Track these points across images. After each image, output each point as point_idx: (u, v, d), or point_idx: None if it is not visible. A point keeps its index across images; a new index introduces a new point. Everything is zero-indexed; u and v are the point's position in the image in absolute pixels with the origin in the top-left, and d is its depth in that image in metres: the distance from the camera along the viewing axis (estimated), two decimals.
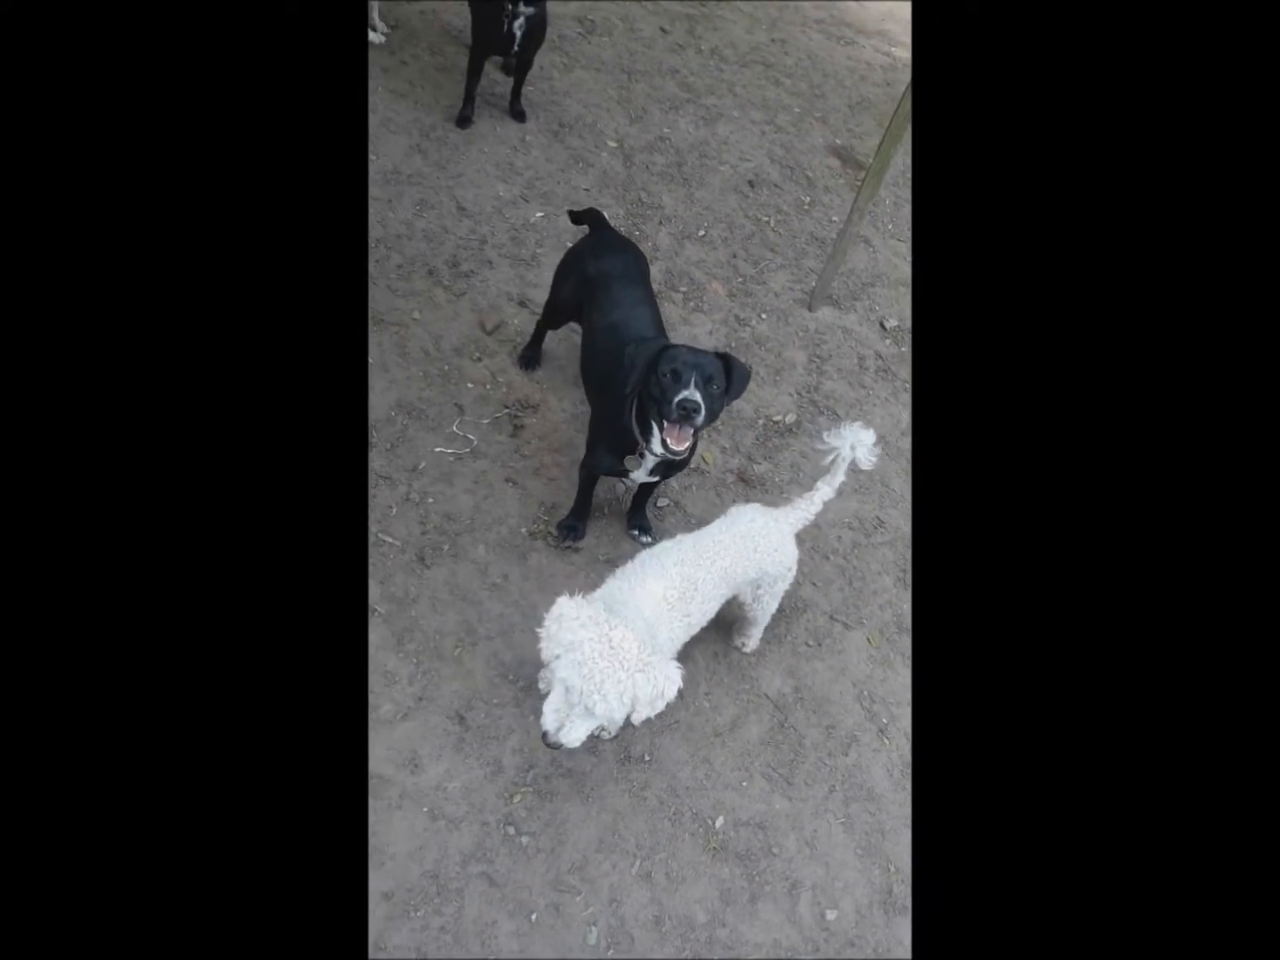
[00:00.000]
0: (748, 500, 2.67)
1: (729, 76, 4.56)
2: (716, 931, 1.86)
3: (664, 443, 1.91)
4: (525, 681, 2.10)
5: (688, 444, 1.90)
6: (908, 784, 2.20)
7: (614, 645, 1.50)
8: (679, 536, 1.93)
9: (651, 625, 1.71)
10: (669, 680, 1.53)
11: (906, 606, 2.59)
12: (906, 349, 3.44)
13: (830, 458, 2.06)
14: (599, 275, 2.26)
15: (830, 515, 2.75)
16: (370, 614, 2.10)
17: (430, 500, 2.37)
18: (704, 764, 2.09)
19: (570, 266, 2.39)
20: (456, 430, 2.55)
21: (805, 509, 2.05)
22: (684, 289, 3.29)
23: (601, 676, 1.50)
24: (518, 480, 2.50)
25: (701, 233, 3.57)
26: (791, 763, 2.15)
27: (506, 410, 2.66)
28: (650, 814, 1.98)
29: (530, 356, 2.77)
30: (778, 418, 2.98)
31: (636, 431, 2.00)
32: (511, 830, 1.87)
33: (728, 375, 1.90)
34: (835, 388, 3.17)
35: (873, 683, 2.38)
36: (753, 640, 2.27)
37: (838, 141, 4.44)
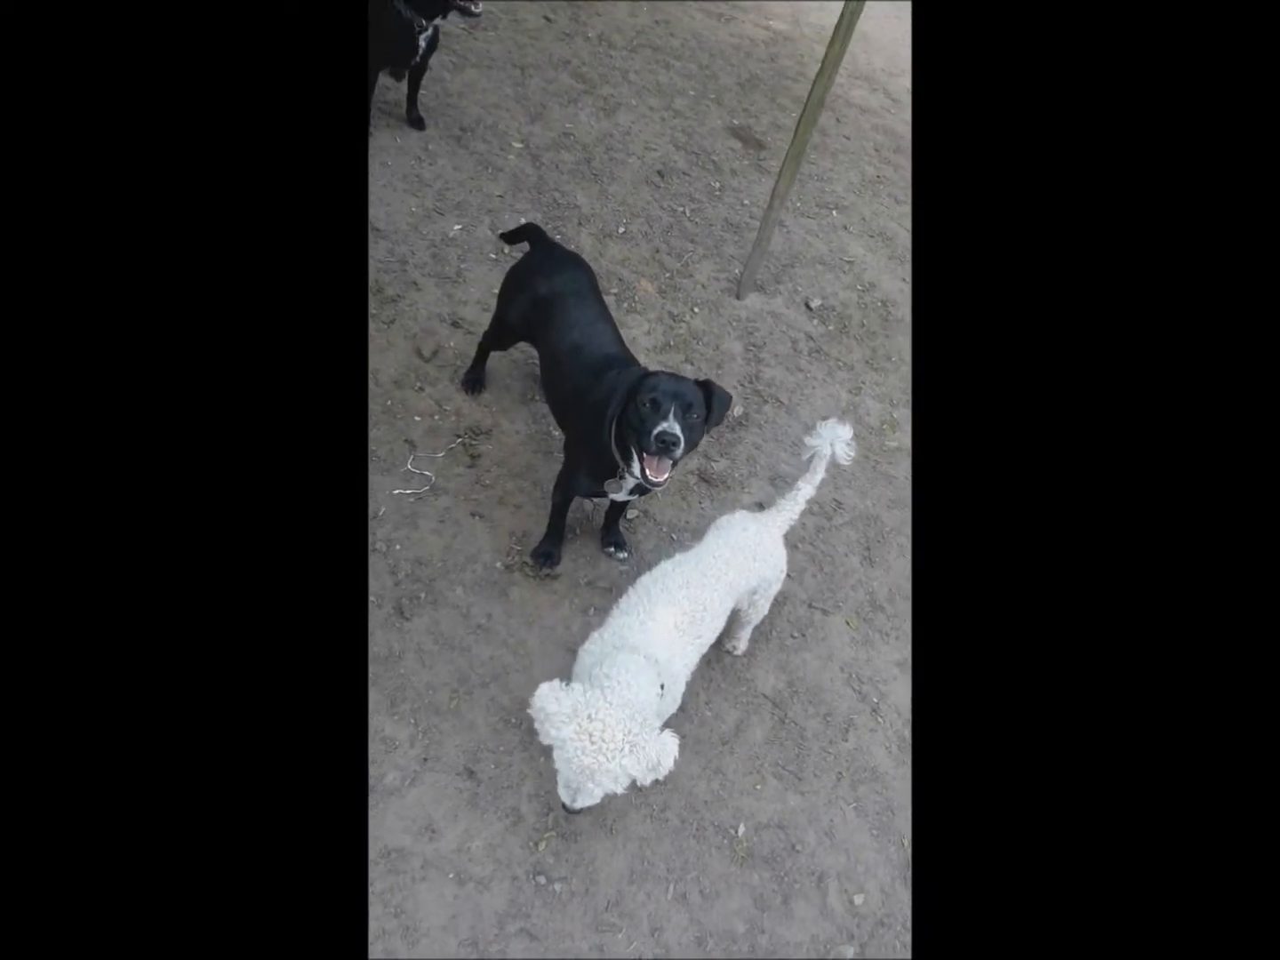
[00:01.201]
0: (711, 500, 2.70)
1: (620, 63, 4.48)
2: (757, 939, 1.89)
3: (643, 472, 1.88)
4: (528, 722, 2.04)
5: (667, 475, 1.87)
6: (907, 758, 2.28)
7: (595, 738, 1.48)
8: (677, 557, 1.91)
9: (665, 660, 1.69)
10: (663, 751, 1.52)
11: (876, 584, 2.66)
12: (834, 328, 3.51)
13: (809, 455, 2.08)
14: (551, 295, 2.19)
15: None
16: None
17: (397, 547, 2.27)
18: (717, 775, 2.11)
19: (517, 287, 2.31)
20: (411, 469, 2.45)
21: (790, 509, 2.07)
22: (615, 290, 3.24)
23: (590, 769, 1.49)
24: (484, 513, 2.42)
25: (621, 229, 3.52)
26: (798, 758, 2.20)
27: (459, 439, 2.57)
28: (674, 835, 1.98)
29: (474, 379, 2.68)
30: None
31: (617, 455, 1.97)
32: (542, 879, 1.83)
33: (709, 403, 1.89)
34: (775, 374, 3.20)
35: (858, 664, 2.45)
36: (743, 642, 2.29)
37: (735, 122, 4.45)
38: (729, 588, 1.86)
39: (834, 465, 2.10)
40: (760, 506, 2.74)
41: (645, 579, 1.85)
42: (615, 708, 1.50)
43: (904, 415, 3.26)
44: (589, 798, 1.56)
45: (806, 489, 2.08)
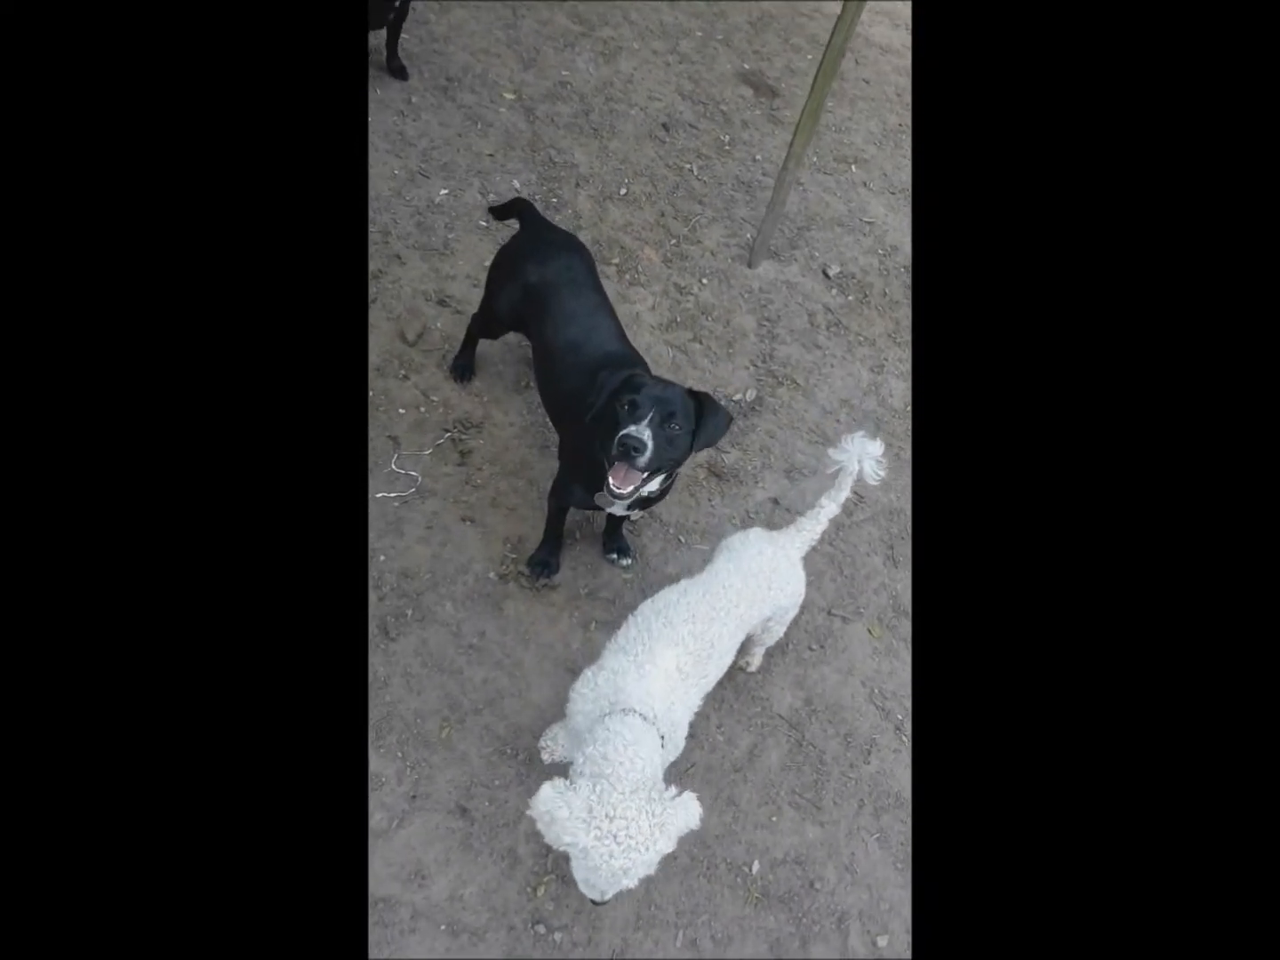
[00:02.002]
0: (722, 496, 2.50)
1: (621, 1, 4.12)
2: None
3: (607, 482, 1.68)
4: (525, 753, 1.89)
5: (632, 487, 1.66)
6: None
7: (621, 839, 1.30)
8: (682, 584, 1.72)
9: (664, 711, 1.51)
10: (689, 818, 1.35)
11: (901, 586, 2.48)
12: (854, 298, 3.26)
13: (834, 470, 1.87)
14: (544, 284, 1.96)
15: (807, 498, 2.60)
16: None
17: (381, 558, 2.08)
18: (729, 806, 1.96)
19: (507, 273, 2.06)
20: (396, 468, 2.25)
21: (811, 530, 1.88)
22: (616, 260, 2.98)
23: (625, 870, 1.32)
24: (475, 517, 2.23)
25: (623, 191, 3.24)
26: (816, 784, 2.05)
27: (448, 434, 2.36)
28: (683, 875, 1.84)
29: (463, 366, 2.45)
30: (737, 396, 2.78)
31: (607, 465, 1.76)
32: (542, 929, 1.70)
33: (699, 417, 1.67)
34: (790, 353, 2.97)
35: (880, 678, 2.29)
36: (756, 659, 2.12)
37: (746, 67, 4.11)
38: (740, 622, 1.67)
39: (861, 484, 1.89)
40: (775, 503, 2.55)
41: (646, 609, 1.66)
42: (631, 795, 1.33)
43: None
44: (617, 889, 1.40)
45: (830, 507, 1.88)
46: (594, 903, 1.45)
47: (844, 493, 1.87)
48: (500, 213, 2.31)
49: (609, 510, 1.91)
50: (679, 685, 1.55)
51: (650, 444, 1.57)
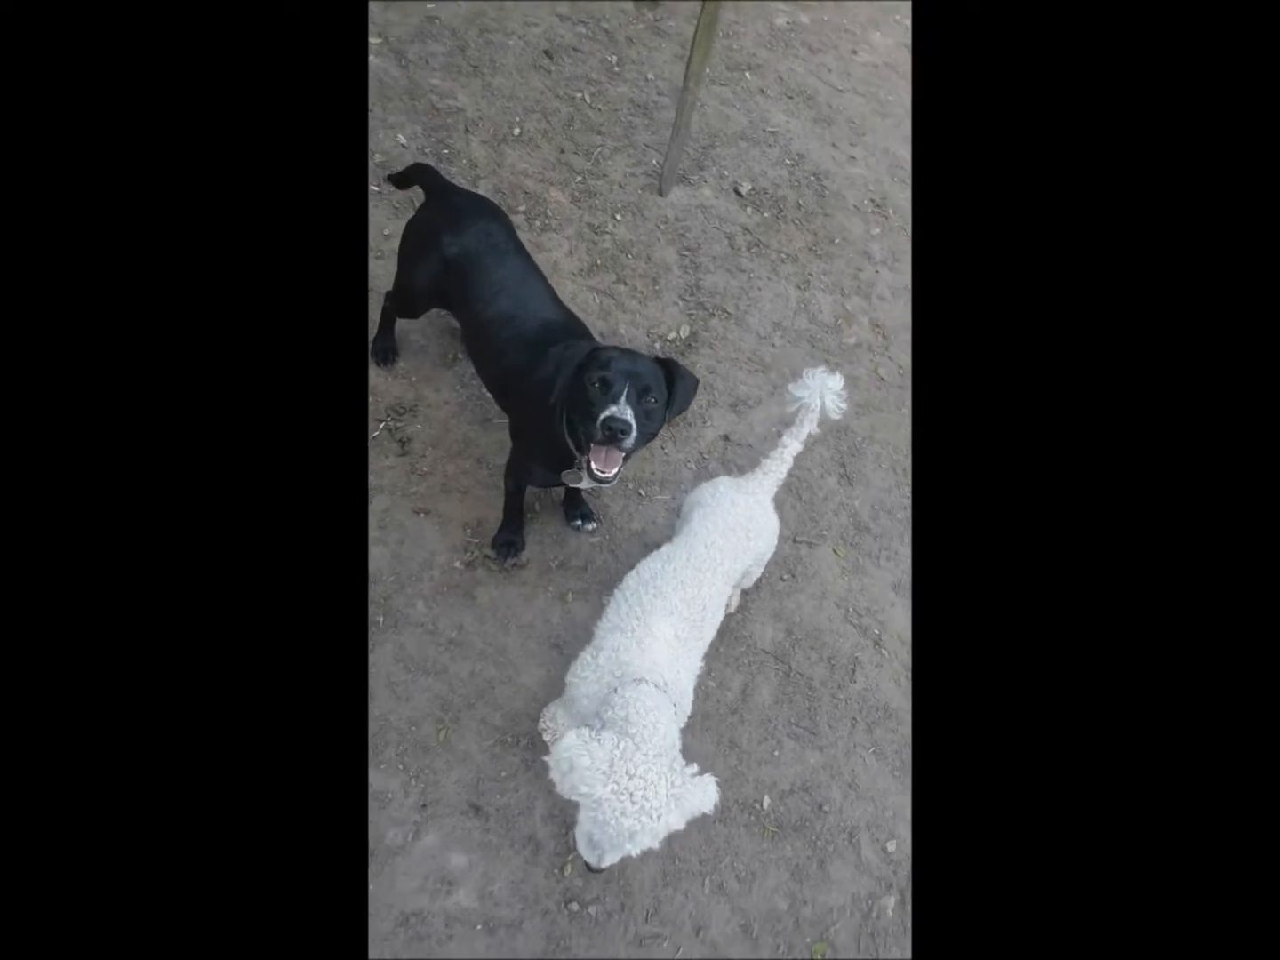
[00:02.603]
0: (674, 441, 2.47)
1: None
2: (801, 912, 1.84)
3: (588, 465, 1.61)
4: (527, 739, 1.88)
5: (617, 469, 1.60)
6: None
7: (636, 798, 1.29)
8: (663, 551, 1.69)
9: (673, 679, 1.50)
10: (705, 799, 1.35)
11: (858, 503, 2.52)
12: (769, 214, 3.19)
13: (795, 407, 1.85)
14: (464, 256, 1.82)
15: (756, 429, 2.59)
16: None
17: None
18: (733, 749, 2.00)
19: (420, 247, 1.91)
20: None
21: (777, 470, 1.86)
22: (523, 208, 2.83)
23: (632, 832, 1.31)
24: (428, 507, 2.14)
25: (516, 131, 3.05)
26: (810, 711, 2.10)
27: (382, 424, 2.24)
28: (700, 824, 1.88)
29: (385, 349, 2.31)
30: (671, 335, 2.71)
31: (570, 444, 1.69)
32: (575, 906, 1.72)
33: (670, 386, 1.61)
34: (716, 281, 2.90)
35: (853, 596, 2.34)
36: (734, 600, 2.14)
37: None
38: (726, 578, 1.66)
39: (824, 418, 1.88)
40: (727, 440, 2.53)
41: (632, 582, 1.63)
42: (653, 759, 1.32)
43: (857, 305, 3.02)
44: (617, 856, 1.40)
45: (794, 445, 1.86)
46: (589, 868, 1.44)
47: (806, 429, 1.86)
48: (400, 181, 2.13)
49: (573, 486, 1.85)
50: (680, 652, 1.54)
51: (634, 424, 1.50)
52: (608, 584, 2.14)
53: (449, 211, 1.88)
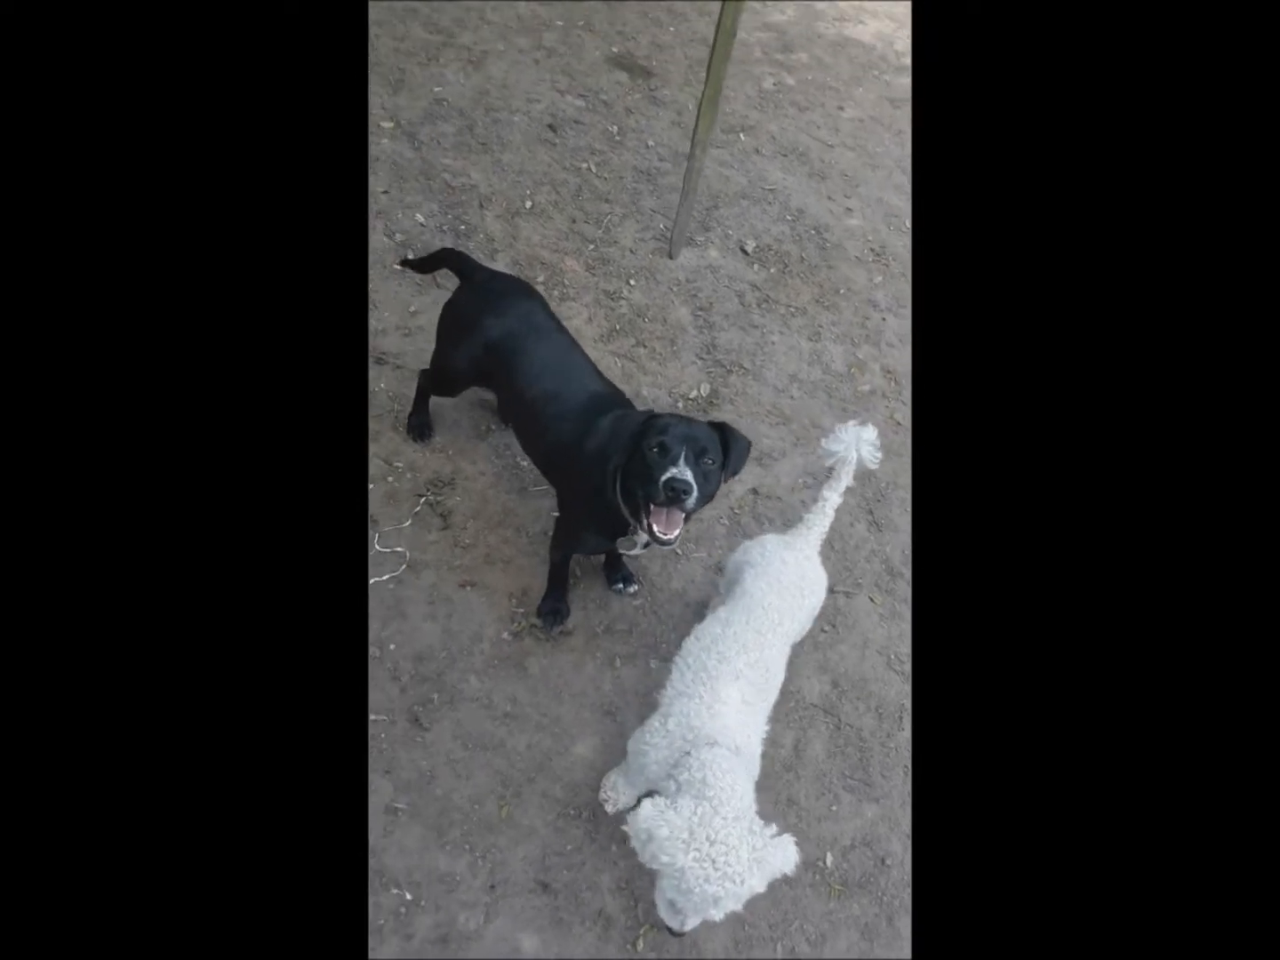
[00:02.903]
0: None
1: (472, 1, 3.95)
2: None
3: (650, 529, 1.64)
4: (588, 810, 1.88)
5: (679, 530, 1.64)
6: None
7: (719, 864, 1.31)
8: (719, 614, 1.72)
9: (744, 744, 1.52)
10: (786, 859, 1.37)
11: (889, 549, 2.56)
12: (775, 270, 3.28)
13: (831, 462, 1.90)
14: (506, 338, 1.88)
15: (783, 480, 2.64)
16: (395, 815, 1.77)
17: (392, 646, 2.00)
18: (791, 806, 2.00)
19: (461, 330, 1.97)
20: (380, 548, 2.15)
21: (820, 524, 1.90)
22: (541, 278, 2.90)
23: (717, 898, 1.32)
24: (474, 580, 2.16)
25: (529, 204, 3.15)
26: (862, 763, 2.11)
27: (423, 499, 2.27)
28: (767, 889, 1.87)
29: (420, 425, 2.35)
30: (692, 394, 2.77)
31: (625, 511, 1.73)
32: None
33: (725, 448, 1.65)
34: (731, 338, 2.97)
35: (893, 642, 2.36)
36: None
37: (614, 50, 4.03)
38: (785, 638, 1.69)
39: (862, 471, 1.92)
40: (755, 493, 2.58)
41: (694, 647, 1.66)
42: (732, 823, 1.33)
43: (868, 353, 3.10)
44: (699, 919, 1.41)
45: (834, 498, 1.91)
46: (671, 932, 1.46)
47: (844, 482, 1.91)
48: (424, 265, 2.20)
49: (627, 554, 1.88)
50: (749, 716, 1.56)
51: (694, 484, 1.54)
52: (654, 647, 2.16)
53: (489, 295, 1.94)
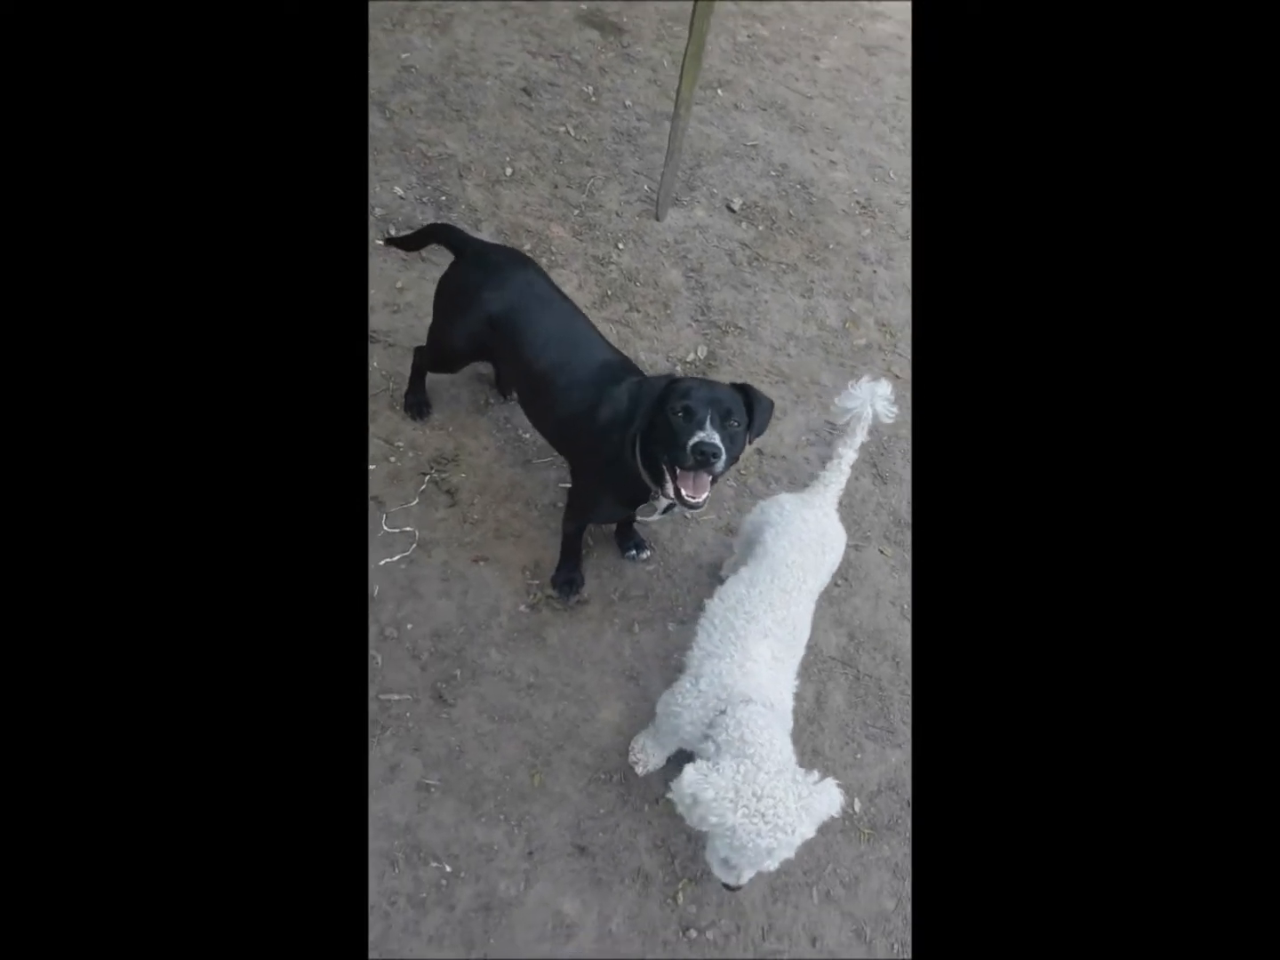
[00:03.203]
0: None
1: None
2: (908, 910, 1.87)
3: (678, 492, 1.63)
4: (619, 773, 1.89)
5: (707, 493, 1.63)
6: None
7: (769, 818, 1.32)
8: (742, 574, 1.72)
9: (777, 700, 1.53)
10: (832, 802, 1.39)
11: (895, 501, 2.57)
12: (763, 227, 3.25)
13: (846, 418, 1.89)
14: (508, 310, 1.84)
15: (786, 439, 2.63)
16: (427, 791, 1.77)
17: (409, 626, 1.99)
18: (817, 757, 2.03)
19: (459, 305, 1.93)
20: (389, 529, 2.13)
21: (838, 481, 1.90)
22: (528, 246, 2.85)
23: (771, 850, 1.35)
24: (486, 555, 2.15)
25: (509, 171, 3.08)
26: (883, 711, 2.14)
27: (427, 477, 2.24)
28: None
29: (418, 403, 2.32)
30: (690, 357, 2.75)
31: (646, 476, 1.72)
32: (694, 933, 1.73)
33: (749, 409, 1.64)
34: (724, 298, 2.95)
35: (904, 593, 2.38)
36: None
37: (584, 7, 3.92)
38: (810, 594, 1.69)
39: (877, 427, 1.92)
40: (760, 452, 2.57)
41: (718, 608, 1.66)
42: (777, 775, 1.35)
43: (861, 307, 3.09)
44: (754, 871, 1.43)
45: (849, 454, 1.91)
46: (727, 887, 1.49)
47: (860, 438, 1.90)
48: (411, 242, 2.14)
49: (645, 520, 1.87)
50: (780, 672, 1.57)
51: (722, 447, 1.53)
52: (670, 610, 2.17)
53: (487, 267, 1.90)
